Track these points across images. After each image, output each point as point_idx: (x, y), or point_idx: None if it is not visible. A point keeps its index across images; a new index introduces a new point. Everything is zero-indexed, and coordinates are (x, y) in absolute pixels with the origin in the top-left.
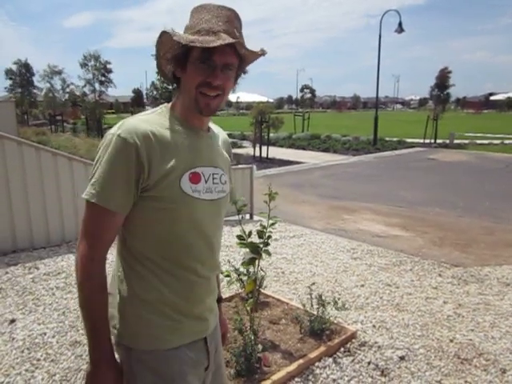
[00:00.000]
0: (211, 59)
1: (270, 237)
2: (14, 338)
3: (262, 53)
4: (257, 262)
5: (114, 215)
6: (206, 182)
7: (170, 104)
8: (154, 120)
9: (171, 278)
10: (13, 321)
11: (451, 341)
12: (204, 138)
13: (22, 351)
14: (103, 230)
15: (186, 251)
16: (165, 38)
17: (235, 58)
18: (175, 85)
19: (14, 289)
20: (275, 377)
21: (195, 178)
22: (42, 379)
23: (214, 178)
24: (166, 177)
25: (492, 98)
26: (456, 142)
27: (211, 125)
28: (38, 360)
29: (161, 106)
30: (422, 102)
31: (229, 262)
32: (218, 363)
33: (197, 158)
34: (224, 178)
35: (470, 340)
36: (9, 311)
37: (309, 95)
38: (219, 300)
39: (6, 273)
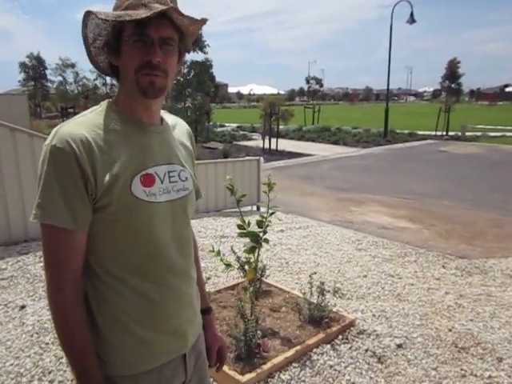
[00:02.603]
0: (146, 34)
1: (267, 225)
2: (24, 323)
3: (203, 20)
4: (257, 250)
5: (72, 234)
6: (161, 182)
7: (112, 99)
8: (92, 121)
9: (138, 294)
10: (23, 307)
11: (450, 330)
12: (154, 132)
13: (32, 335)
14: (65, 253)
15: (152, 262)
16: (90, 19)
17: (173, 30)
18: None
19: (25, 276)
20: (273, 361)
21: (148, 181)
22: (50, 362)
23: (170, 177)
24: (114, 184)
25: (507, 89)
26: (468, 134)
27: (166, 115)
28: (47, 344)
29: (102, 102)
30: (436, 94)
31: (233, 251)
32: (201, 375)
33: (147, 157)
34: (184, 175)
35: (469, 329)
36: (20, 298)
37: (316, 86)
38: (207, 311)
39: (18, 261)
